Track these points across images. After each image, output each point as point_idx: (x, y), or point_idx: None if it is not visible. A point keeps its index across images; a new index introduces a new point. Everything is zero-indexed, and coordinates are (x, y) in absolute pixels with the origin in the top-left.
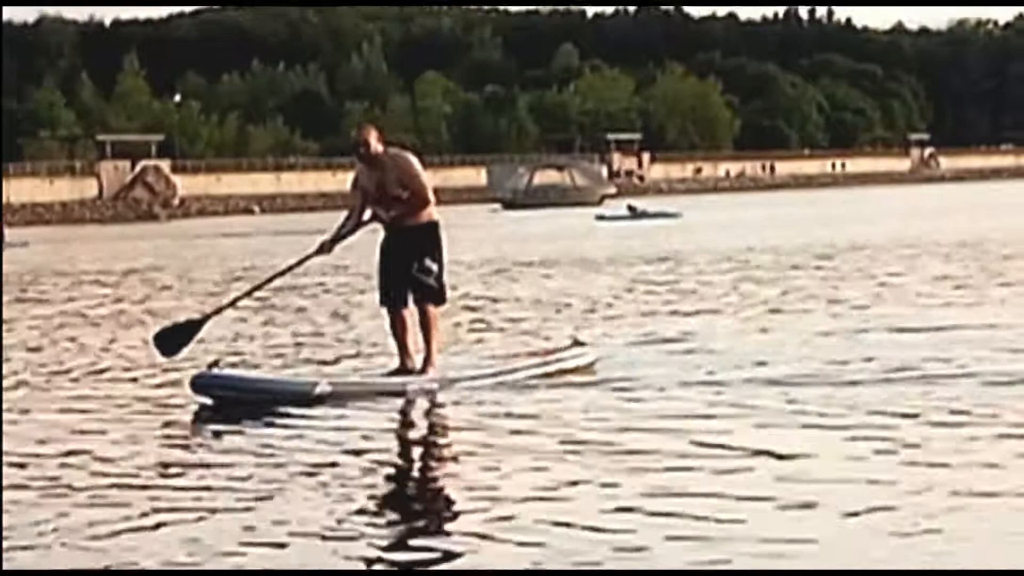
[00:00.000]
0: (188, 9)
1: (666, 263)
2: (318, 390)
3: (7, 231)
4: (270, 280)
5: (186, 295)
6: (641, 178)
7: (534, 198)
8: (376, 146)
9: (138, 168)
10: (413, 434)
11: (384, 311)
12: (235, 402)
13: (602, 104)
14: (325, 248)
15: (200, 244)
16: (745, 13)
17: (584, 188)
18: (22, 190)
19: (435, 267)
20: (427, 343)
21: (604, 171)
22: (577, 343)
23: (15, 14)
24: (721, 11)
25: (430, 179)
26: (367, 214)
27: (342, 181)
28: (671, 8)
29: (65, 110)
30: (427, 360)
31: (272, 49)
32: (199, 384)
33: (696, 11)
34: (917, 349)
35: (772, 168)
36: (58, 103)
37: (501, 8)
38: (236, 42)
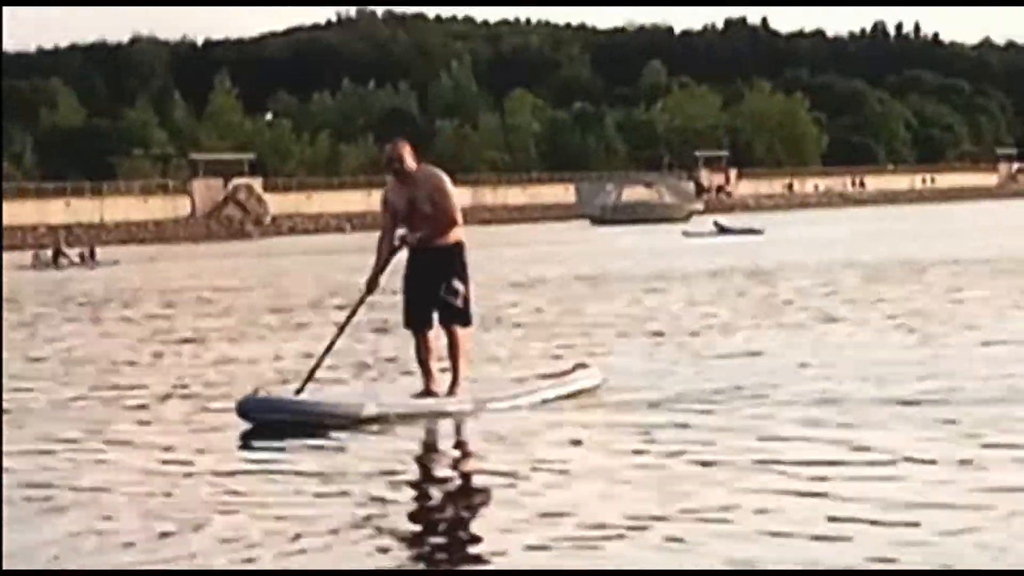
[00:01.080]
0: (279, 28)
1: (758, 276)
2: (365, 412)
3: (99, 250)
4: (341, 331)
5: (271, 315)
6: (728, 194)
7: (622, 214)
8: (410, 162)
9: (230, 187)
10: (472, 456)
11: (410, 333)
12: (282, 424)
13: (690, 121)
14: (372, 286)
15: (292, 262)
16: (832, 29)
17: (672, 205)
18: (116, 209)
19: (462, 288)
20: (455, 365)
21: (692, 187)
22: (582, 366)
23: (108, 34)
24: (809, 27)
25: (520, 196)
26: (396, 240)
27: None
28: (759, 24)
29: (158, 129)
30: (455, 382)
31: (362, 68)
32: (245, 408)
33: (784, 27)
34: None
35: (862, 183)
36: (151, 122)
37: (589, 25)
38: (326, 61)
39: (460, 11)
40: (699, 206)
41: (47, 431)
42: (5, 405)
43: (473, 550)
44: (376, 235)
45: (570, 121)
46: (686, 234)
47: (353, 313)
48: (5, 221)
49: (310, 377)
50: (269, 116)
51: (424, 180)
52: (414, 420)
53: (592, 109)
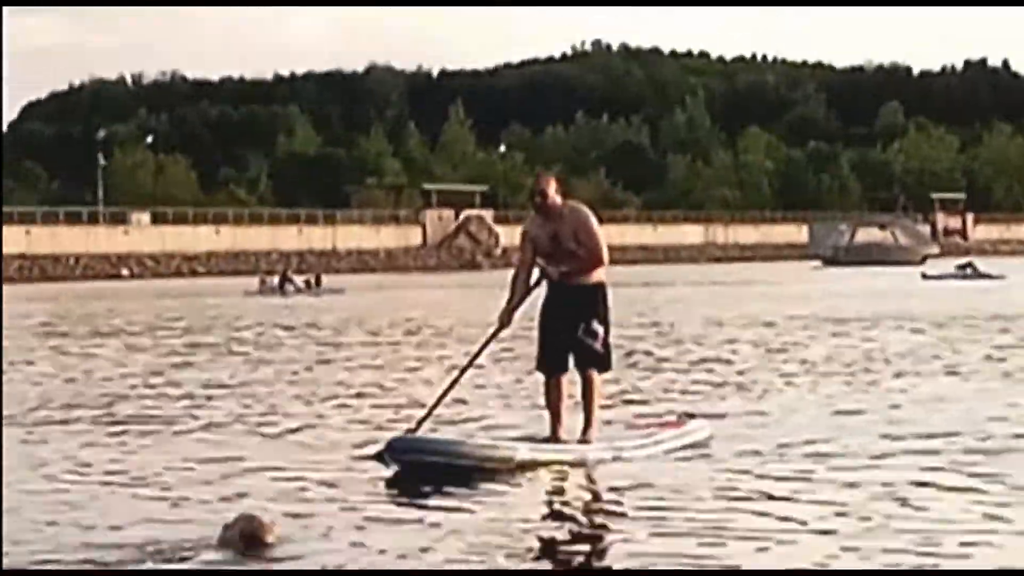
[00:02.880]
0: (514, 60)
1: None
2: (519, 457)
3: (325, 278)
4: (474, 359)
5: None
6: (965, 237)
7: (856, 256)
8: (555, 197)
9: (462, 217)
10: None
11: (541, 376)
12: (432, 467)
13: (926, 163)
14: (504, 322)
15: None
16: None
17: (907, 247)
18: (348, 237)
19: (602, 331)
20: (588, 411)
21: (927, 230)
22: (690, 416)
23: (344, 62)
24: None
25: (752, 234)
26: (535, 274)
27: (663, 235)
28: (999, 66)
29: (391, 159)
30: (588, 428)
31: (595, 101)
32: (397, 449)
33: None
34: None
35: None
36: (385, 151)
37: (826, 63)
38: (560, 93)
39: (696, 46)
40: (935, 249)
41: None
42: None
43: None
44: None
45: (804, 160)
46: (925, 276)
47: (482, 349)
48: (240, 246)
49: (428, 415)
50: (502, 148)
51: (570, 216)
52: (551, 466)
53: (827, 148)
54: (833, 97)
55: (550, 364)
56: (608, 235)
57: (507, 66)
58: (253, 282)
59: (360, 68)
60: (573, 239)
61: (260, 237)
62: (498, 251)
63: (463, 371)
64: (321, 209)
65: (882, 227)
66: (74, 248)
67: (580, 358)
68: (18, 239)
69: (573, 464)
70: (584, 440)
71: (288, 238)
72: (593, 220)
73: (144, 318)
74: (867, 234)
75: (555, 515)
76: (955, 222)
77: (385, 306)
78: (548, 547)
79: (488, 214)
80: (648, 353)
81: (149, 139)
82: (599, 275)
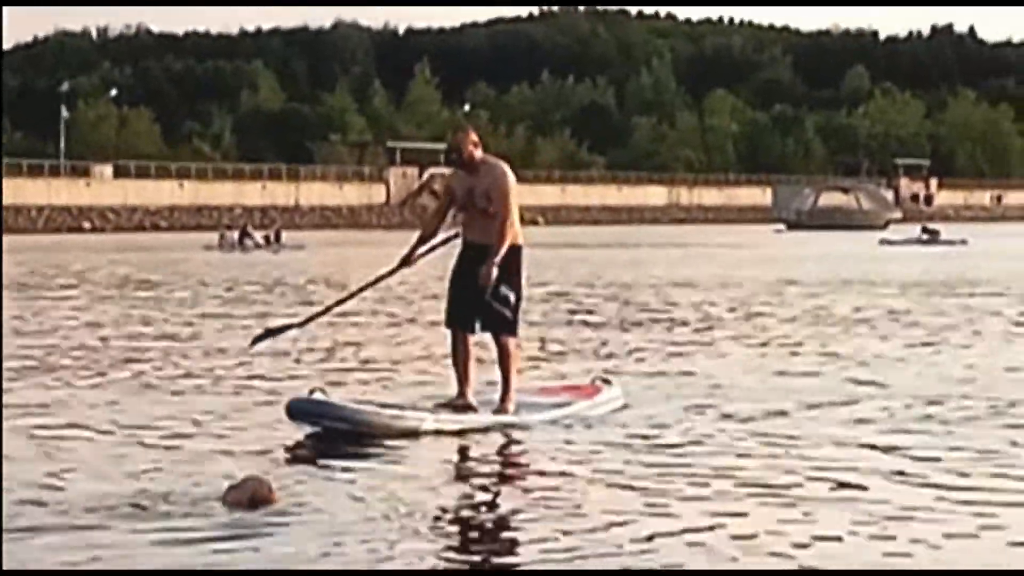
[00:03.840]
0: (481, 19)
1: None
2: (424, 427)
3: (284, 234)
4: (357, 292)
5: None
6: (929, 202)
7: (818, 220)
8: (472, 152)
9: (425, 176)
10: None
11: (448, 334)
12: (333, 431)
13: (891, 128)
14: (405, 260)
15: None
16: None
17: (870, 212)
18: (312, 193)
19: (512, 295)
20: (505, 378)
21: (891, 195)
22: (605, 381)
23: (311, 18)
24: (1017, 36)
25: (716, 196)
26: (452, 231)
27: (628, 195)
28: (965, 32)
29: (356, 116)
30: (505, 395)
31: (562, 61)
32: (296, 410)
33: (991, 36)
34: None
35: None
36: (350, 108)
37: (792, 27)
38: (526, 54)
39: (662, 8)
40: (897, 214)
41: None
42: None
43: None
44: (569, 230)
45: (769, 123)
46: (883, 242)
47: (375, 282)
48: (202, 200)
49: (307, 321)
50: (467, 107)
51: (485, 173)
52: (460, 435)
53: (792, 112)
54: (799, 61)
55: (456, 320)
56: (572, 195)
57: (474, 25)
58: (214, 237)
59: (326, 24)
60: (485, 197)
61: (223, 192)
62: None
63: (343, 300)
64: (285, 164)
65: (845, 191)
66: (36, 200)
67: (488, 322)
68: None
69: (477, 431)
70: (501, 410)
71: (251, 193)
72: (508, 180)
73: (84, 273)
74: (830, 198)
75: (449, 484)
76: (918, 187)
77: (342, 262)
78: (437, 518)
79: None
80: (590, 311)
81: (113, 92)
82: (512, 238)
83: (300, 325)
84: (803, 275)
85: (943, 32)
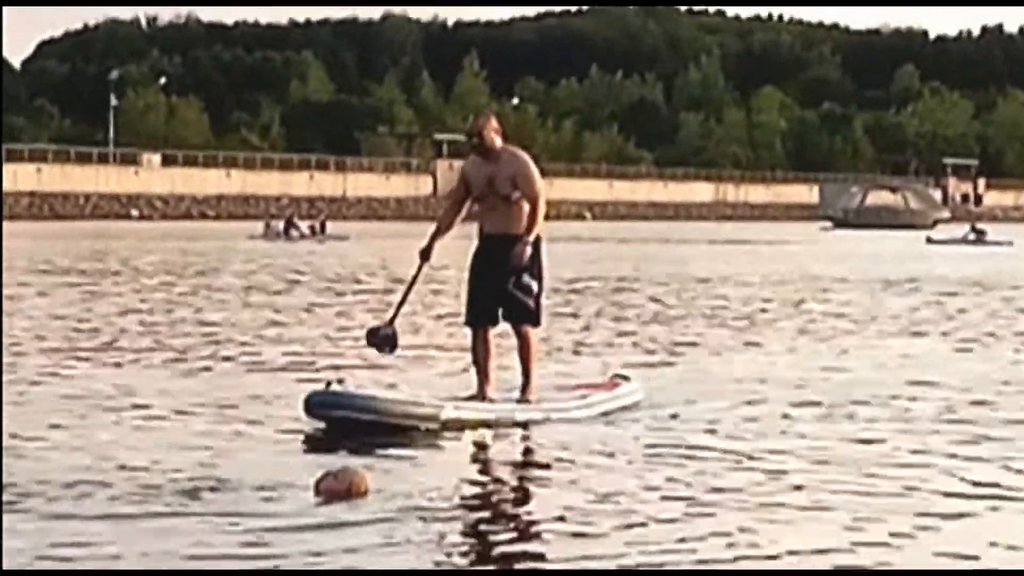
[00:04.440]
0: (531, 13)
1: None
2: (444, 415)
3: (329, 225)
4: (405, 298)
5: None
6: (978, 202)
7: (865, 218)
8: (493, 138)
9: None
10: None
11: (468, 330)
12: (353, 424)
13: (940, 127)
14: (423, 256)
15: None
16: None
17: (917, 211)
18: (359, 184)
19: (535, 285)
20: (526, 370)
21: (938, 195)
22: (623, 377)
23: (360, 11)
24: None
25: (763, 194)
26: (463, 212)
27: (674, 192)
28: (1015, 32)
29: (404, 107)
30: (527, 387)
31: (611, 56)
32: (315, 403)
33: None
34: None
35: None
36: (398, 100)
37: (842, 25)
38: (575, 48)
39: (712, 5)
40: (945, 214)
41: None
42: None
43: None
44: (616, 225)
45: (817, 121)
46: (930, 240)
47: (409, 289)
48: (250, 190)
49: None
50: (515, 100)
51: (508, 160)
52: (482, 426)
53: (840, 110)
54: (848, 59)
55: (477, 317)
56: (619, 191)
57: (523, 19)
58: (259, 227)
59: (376, 16)
60: (510, 183)
61: (270, 182)
62: None
63: (395, 314)
64: (332, 155)
65: (893, 190)
66: (84, 187)
67: (510, 313)
68: (29, 177)
69: (498, 424)
70: (524, 400)
71: (298, 184)
72: (534, 168)
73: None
74: (878, 197)
75: (474, 477)
76: (966, 187)
77: (383, 254)
78: (463, 509)
79: None
80: (624, 305)
81: (162, 81)
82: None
83: (390, 324)
84: (848, 272)
85: (993, 32)
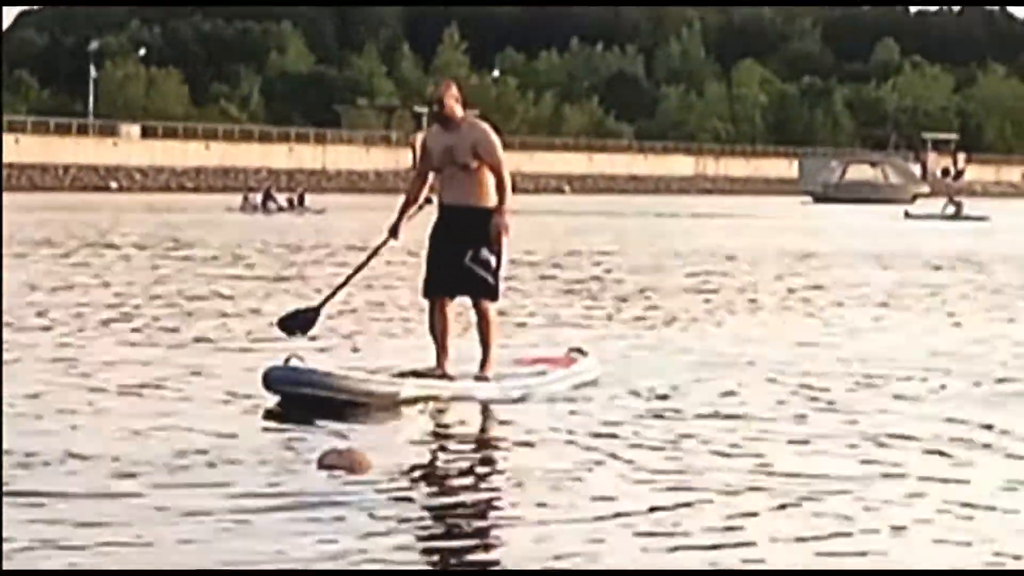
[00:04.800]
0: None
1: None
2: (403, 393)
3: (308, 197)
4: (352, 277)
5: None
6: (958, 176)
7: (845, 193)
8: (453, 106)
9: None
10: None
11: (426, 303)
12: (309, 401)
13: (920, 102)
14: (391, 233)
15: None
16: None
17: (897, 185)
18: (339, 157)
19: (493, 260)
20: (485, 345)
21: (918, 169)
22: (580, 351)
23: None
24: None
25: (743, 167)
26: (425, 191)
27: (654, 165)
28: (996, 8)
29: (384, 79)
30: (485, 363)
31: (591, 29)
32: (274, 379)
33: (1021, 12)
34: None
35: None
36: (378, 72)
37: None
38: (556, 20)
39: None
40: (925, 188)
41: None
42: None
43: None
44: (595, 199)
45: (798, 95)
46: (908, 215)
47: (367, 261)
48: (229, 162)
49: (323, 304)
50: (496, 73)
51: (468, 130)
52: (440, 402)
53: (821, 84)
54: (829, 32)
55: (433, 289)
56: (599, 164)
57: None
58: (238, 199)
59: None
60: (471, 153)
61: (250, 154)
62: None
63: (343, 284)
64: (312, 128)
65: (873, 165)
66: (63, 159)
67: (468, 287)
68: (8, 148)
69: (457, 400)
70: (481, 377)
71: (278, 156)
72: (495, 137)
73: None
74: (858, 171)
75: (429, 455)
76: (946, 162)
77: (359, 227)
78: (418, 488)
79: None
80: (596, 279)
81: (141, 52)
82: (492, 199)
83: (317, 310)
84: (823, 247)
85: (974, 7)
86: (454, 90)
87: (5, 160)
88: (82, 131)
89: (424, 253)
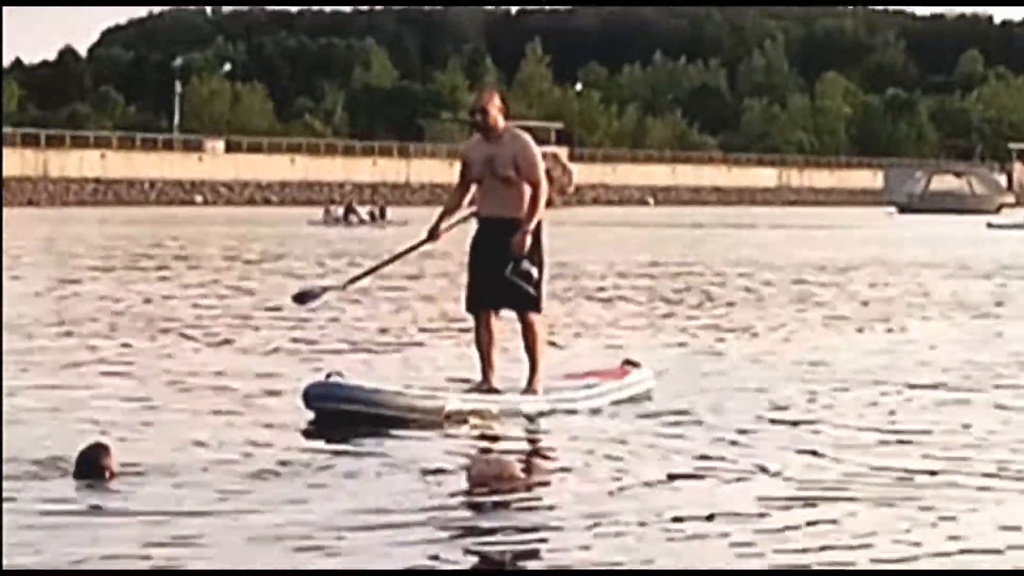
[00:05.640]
0: None
1: None
2: (449, 407)
3: (390, 210)
4: (382, 266)
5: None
6: None
7: (930, 203)
8: (496, 117)
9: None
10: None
11: (471, 317)
12: (353, 417)
13: (1005, 112)
14: (431, 235)
15: (595, 233)
16: None
17: (982, 196)
18: (422, 170)
19: (534, 271)
20: (532, 358)
21: (1003, 180)
22: (633, 364)
23: None
24: None
25: (827, 179)
26: (466, 201)
27: (738, 177)
28: None
29: (467, 93)
30: (533, 377)
31: (674, 42)
32: (314, 395)
33: None
34: None
35: None
36: (461, 86)
37: (907, 11)
38: (638, 34)
39: None
40: (1010, 199)
41: None
42: None
43: None
44: (679, 210)
45: (882, 107)
46: (990, 226)
47: (400, 255)
48: (313, 176)
49: (348, 284)
50: (579, 86)
51: (510, 141)
52: (489, 417)
53: (905, 95)
54: (913, 44)
55: (477, 302)
56: (682, 176)
57: (585, 4)
58: (319, 212)
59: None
60: (511, 165)
61: (334, 168)
62: (571, 189)
63: (370, 272)
64: (396, 142)
65: (958, 175)
66: (149, 174)
67: (511, 300)
68: (94, 163)
69: (504, 415)
70: (529, 390)
71: (362, 170)
72: (536, 150)
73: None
74: (942, 182)
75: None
76: None
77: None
78: (468, 508)
79: (563, 152)
80: (686, 289)
81: (226, 68)
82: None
83: (342, 288)
84: (909, 257)
85: None
86: (497, 100)
87: (91, 175)
88: (167, 146)
89: (466, 266)
